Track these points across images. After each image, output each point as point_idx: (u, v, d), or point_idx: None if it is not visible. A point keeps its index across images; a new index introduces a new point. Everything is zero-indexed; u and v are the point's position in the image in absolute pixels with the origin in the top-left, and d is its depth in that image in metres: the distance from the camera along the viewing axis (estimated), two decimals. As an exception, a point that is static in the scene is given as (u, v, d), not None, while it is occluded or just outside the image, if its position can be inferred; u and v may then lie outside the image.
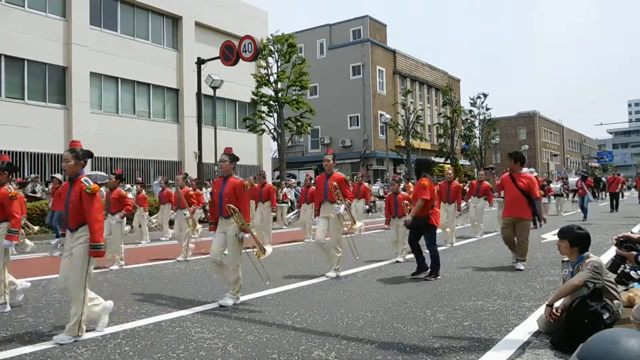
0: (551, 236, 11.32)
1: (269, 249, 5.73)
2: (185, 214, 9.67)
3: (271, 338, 4.23)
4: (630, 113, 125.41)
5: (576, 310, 3.82)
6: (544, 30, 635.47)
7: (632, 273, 5.31)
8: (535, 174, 14.82)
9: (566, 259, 4.45)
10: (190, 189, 10.55)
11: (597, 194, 31.00)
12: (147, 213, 13.31)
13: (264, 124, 25.23)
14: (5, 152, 18.77)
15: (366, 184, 15.59)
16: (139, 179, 18.00)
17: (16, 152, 19.09)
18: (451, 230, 10.85)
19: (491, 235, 12.24)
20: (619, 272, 5.33)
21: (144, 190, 14.51)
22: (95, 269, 7.55)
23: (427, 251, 7.11)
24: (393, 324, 4.60)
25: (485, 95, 42.98)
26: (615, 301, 4.02)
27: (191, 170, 23.72)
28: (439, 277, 6.85)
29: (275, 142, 25.79)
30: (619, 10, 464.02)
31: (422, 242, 7.22)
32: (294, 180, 25.74)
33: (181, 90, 24.95)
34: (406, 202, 8.46)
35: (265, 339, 4.20)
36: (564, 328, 3.80)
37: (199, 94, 18.63)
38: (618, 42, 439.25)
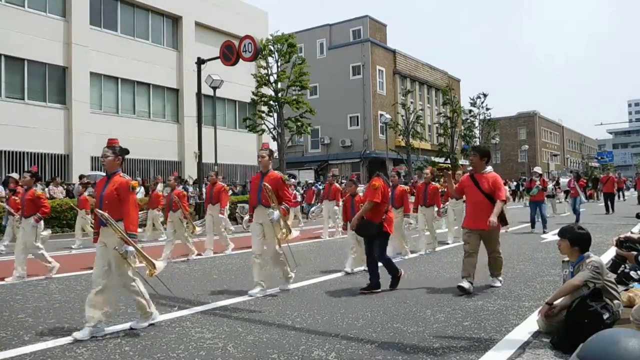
0: (551, 236, 11.32)
1: (160, 264, 4.87)
2: None
3: (271, 338, 4.23)
4: (630, 113, 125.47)
5: (576, 310, 3.82)
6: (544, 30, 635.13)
7: (632, 273, 5.32)
8: (540, 173, 14.71)
9: (566, 258, 4.45)
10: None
11: (595, 195, 30.96)
12: (88, 216, 11.98)
13: (264, 124, 25.25)
14: (5, 152, 18.84)
15: (337, 185, 14.98)
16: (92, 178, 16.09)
17: (16, 152, 19.11)
18: (431, 235, 9.86)
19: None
20: (619, 272, 5.35)
21: (86, 192, 12.73)
22: None
23: (380, 263, 6.31)
24: (393, 324, 4.60)
25: (485, 95, 43.00)
26: (615, 301, 4.02)
27: (191, 170, 23.77)
28: (397, 287, 6.25)
29: (275, 142, 25.80)
30: (619, 10, 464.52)
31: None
32: (294, 180, 25.71)
33: (181, 90, 24.98)
34: (362, 204, 7.11)
35: (265, 339, 4.20)
36: (564, 328, 3.80)
37: (199, 94, 18.61)
38: (618, 42, 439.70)
